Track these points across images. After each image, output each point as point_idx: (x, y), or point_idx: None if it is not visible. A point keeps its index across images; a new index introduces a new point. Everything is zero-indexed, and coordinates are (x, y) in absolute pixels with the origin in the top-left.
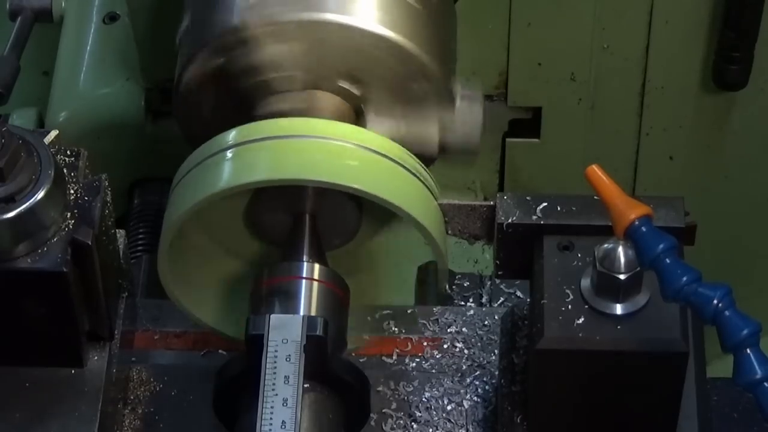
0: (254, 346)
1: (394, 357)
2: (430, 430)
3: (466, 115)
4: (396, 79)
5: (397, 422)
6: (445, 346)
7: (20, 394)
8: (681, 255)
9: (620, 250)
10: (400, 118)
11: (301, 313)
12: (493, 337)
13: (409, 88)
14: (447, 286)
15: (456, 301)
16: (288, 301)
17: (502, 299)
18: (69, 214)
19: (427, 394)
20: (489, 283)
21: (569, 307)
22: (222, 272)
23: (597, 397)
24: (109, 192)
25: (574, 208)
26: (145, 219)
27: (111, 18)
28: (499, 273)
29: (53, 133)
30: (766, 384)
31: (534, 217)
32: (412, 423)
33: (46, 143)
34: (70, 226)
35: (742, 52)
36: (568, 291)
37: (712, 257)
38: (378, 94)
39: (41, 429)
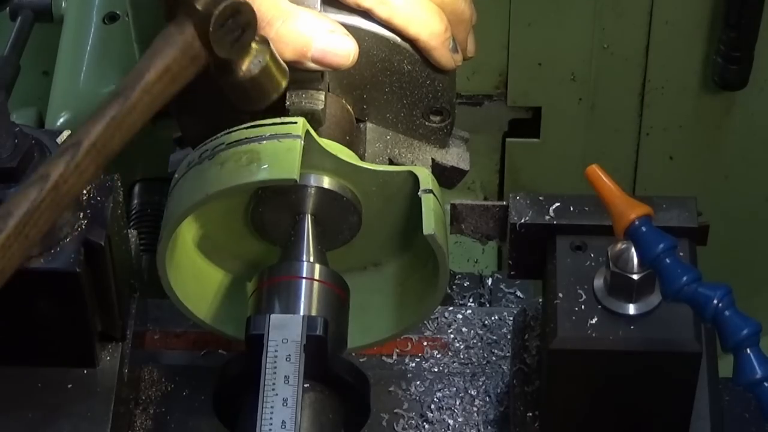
0: (254, 346)
1: (394, 357)
2: (442, 430)
3: (458, 147)
4: (404, 89)
5: (409, 422)
6: (445, 346)
7: (33, 394)
8: (694, 255)
9: (633, 250)
10: (398, 134)
11: (301, 313)
12: (493, 337)
13: (416, 100)
14: (447, 286)
15: (456, 301)
16: (288, 300)
17: (502, 299)
18: (81, 214)
19: (438, 394)
20: (489, 282)
21: (582, 307)
22: (222, 272)
23: (610, 397)
24: (121, 192)
25: (586, 209)
26: (145, 219)
27: (111, 18)
28: (512, 273)
29: (65, 133)
30: (766, 384)
31: (547, 218)
32: (424, 423)
33: (59, 143)
34: (83, 227)
35: (742, 52)
36: (581, 291)
37: (712, 257)
38: (382, 106)
39: (53, 429)
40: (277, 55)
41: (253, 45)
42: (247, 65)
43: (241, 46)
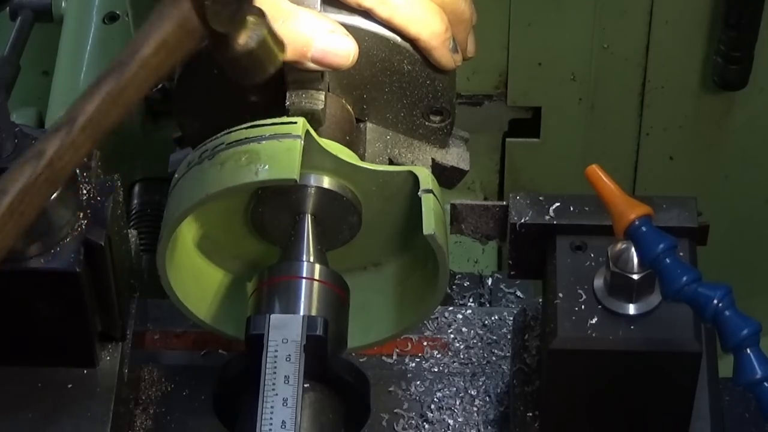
0: (254, 346)
1: (394, 357)
2: (442, 430)
3: (458, 147)
4: (404, 89)
5: (409, 422)
6: (445, 346)
7: (33, 394)
8: (694, 255)
9: (633, 250)
10: (398, 134)
11: (301, 313)
12: (492, 337)
13: (416, 100)
14: (447, 286)
15: (456, 301)
16: (288, 300)
17: (502, 299)
18: (82, 214)
19: (438, 394)
20: (489, 282)
21: (582, 307)
22: (222, 272)
23: (610, 397)
24: (121, 192)
25: (587, 208)
26: (145, 219)
27: (111, 18)
28: (512, 273)
29: None
30: (766, 384)
31: (547, 217)
32: (424, 423)
33: None
34: (83, 227)
35: (742, 52)
36: (581, 291)
37: (712, 257)
38: (382, 106)
39: (54, 429)
40: (273, 28)
41: (249, 18)
42: (244, 39)
43: (237, 20)
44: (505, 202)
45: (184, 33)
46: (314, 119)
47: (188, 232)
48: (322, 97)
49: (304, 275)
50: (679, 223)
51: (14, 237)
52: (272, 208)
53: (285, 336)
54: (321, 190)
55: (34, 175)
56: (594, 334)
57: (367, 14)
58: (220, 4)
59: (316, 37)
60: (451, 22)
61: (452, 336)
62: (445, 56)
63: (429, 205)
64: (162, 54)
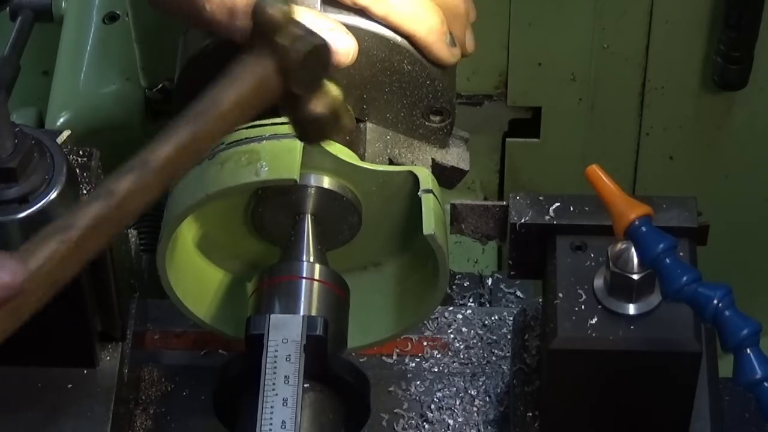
0: (254, 346)
1: (394, 357)
2: (442, 430)
3: (458, 147)
4: (404, 89)
5: (409, 422)
6: (445, 346)
7: (33, 394)
8: (694, 255)
9: (633, 250)
10: (398, 134)
11: (302, 313)
12: (492, 337)
13: (416, 100)
14: (447, 286)
15: (456, 301)
16: (288, 300)
17: (502, 299)
18: None
19: (438, 394)
20: (489, 282)
21: (582, 307)
22: (222, 272)
23: (610, 397)
24: None
25: (587, 208)
26: (145, 219)
27: (111, 18)
28: (512, 273)
29: (66, 133)
30: (766, 384)
31: (547, 217)
32: (424, 423)
33: (59, 143)
34: None
35: (742, 52)
36: (581, 291)
37: (712, 257)
38: (382, 106)
39: (54, 429)
40: (346, 103)
41: (328, 84)
42: (317, 104)
43: (315, 85)
44: (505, 202)
45: (264, 91)
46: None
47: (188, 232)
48: None
49: (304, 275)
50: (679, 223)
51: (74, 272)
52: (272, 208)
53: (285, 336)
54: (321, 190)
55: (103, 214)
56: (594, 334)
57: (365, 13)
58: (306, 69)
59: None
60: (447, 18)
61: (452, 336)
62: (443, 51)
63: (429, 205)
64: (239, 110)
